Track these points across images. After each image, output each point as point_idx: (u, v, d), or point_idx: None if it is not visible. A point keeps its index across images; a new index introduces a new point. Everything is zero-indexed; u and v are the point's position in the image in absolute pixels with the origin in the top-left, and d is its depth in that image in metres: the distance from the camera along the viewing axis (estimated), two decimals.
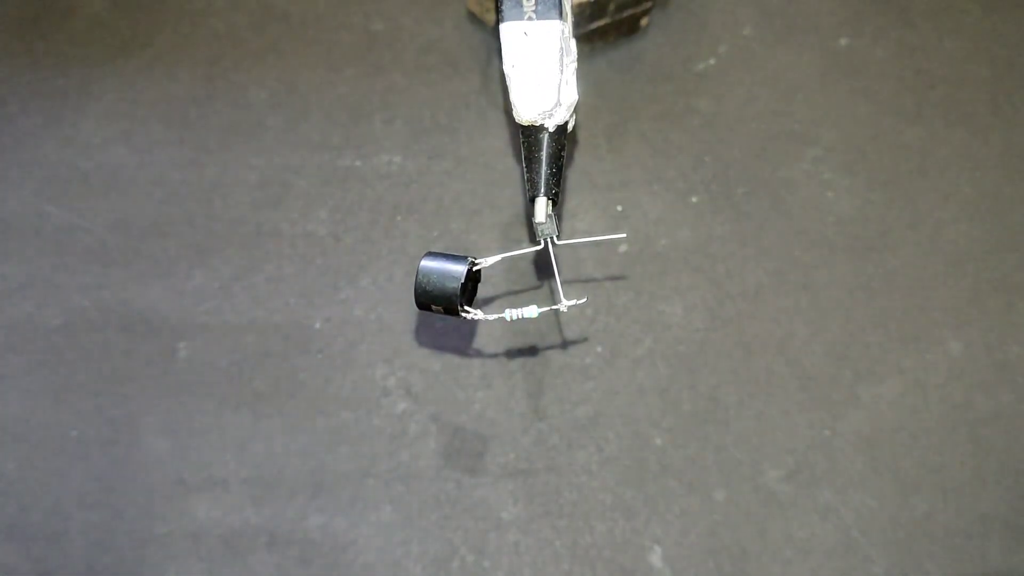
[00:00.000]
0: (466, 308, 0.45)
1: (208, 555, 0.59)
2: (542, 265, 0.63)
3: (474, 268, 0.45)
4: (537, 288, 0.63)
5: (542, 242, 0.47)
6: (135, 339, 0.63)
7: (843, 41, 0.70)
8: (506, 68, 0.46)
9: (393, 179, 0.67)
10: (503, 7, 0.46)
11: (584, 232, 0.64)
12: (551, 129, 0.46)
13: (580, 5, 0.64)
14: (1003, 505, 0.59)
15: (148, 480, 0.60)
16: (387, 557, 0.59)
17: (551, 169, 0.46)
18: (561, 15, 0.46)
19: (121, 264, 0.64)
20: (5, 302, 0.64)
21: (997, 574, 0.58)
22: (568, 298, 0.47)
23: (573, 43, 0.49)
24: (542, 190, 0.46)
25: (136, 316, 0.63)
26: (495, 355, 0.63)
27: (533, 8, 0.46)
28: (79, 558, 0.59)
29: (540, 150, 0.47)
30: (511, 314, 0.46)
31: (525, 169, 0.47)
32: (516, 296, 0.63)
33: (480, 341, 0.63)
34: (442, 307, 0.45)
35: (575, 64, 0.48)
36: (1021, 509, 0.59)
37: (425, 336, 0.63)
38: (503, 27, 0.46)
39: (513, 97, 0.46)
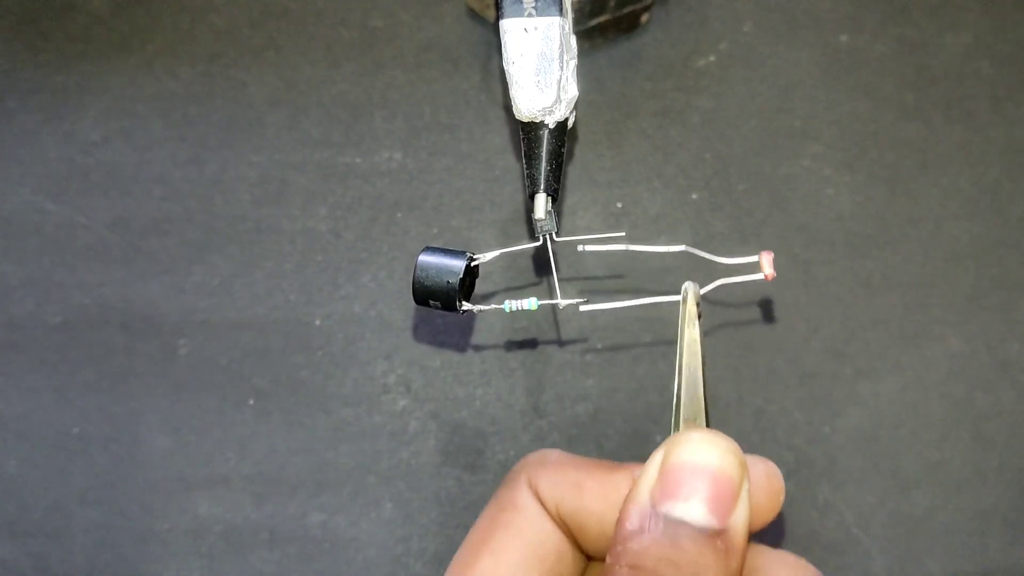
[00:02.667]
0: (464, 303, 0.45)
1: (209, 552, 0.59)
2: (541, 261, 0.63)
3: (472, 263, 0.45)
4: (536, 284, 0.63)
5: (541, 238, 0.47)
6: (135, 336, 0.63)
7: (843, 38, 0.70)
8: (506, 65, 0.46)
9: (393, 176, 0.67)
10: (503, 3, 0.46)
11: (584, 228, 0.64)
12: (551, 126, 0.46)
13: (580, 1, 0.64)
14: (1003, 501, 0.59)
15: (149, 477, 0.60)
16: (388, 554, 0.59)
17: (551, 165, 0.46)
18: (561, 11, 0.46)
19: (121, 261, 0.64)
20: (5, 300, 0.64)
21: (997, 570, 0.58)
22: (566, 295, 0.47)
23: (573, 39, 0.48)
24: (542, 186, 0.46)
25: (136, 313, 0.63)
26: (495, 352, 0.63)
27: (533, 4, 0.46)
28: (80, 555, 0.59)
29: (540, 147, 0.46)
30: (510, 305, 0.46)
31: (525, 166, 0.47)
32: (515, 292, 0.63)
33: (480, 338, 0.63)
34: (440, 302, 0.45)
35: (575, 61, 0.48)
36: (1021, 506, 0.59)
37: (425, 333, 0.63)
38: (503, 23, 0.46)
39: (513, 94, 0.46)
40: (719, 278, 0.45)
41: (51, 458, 0.61)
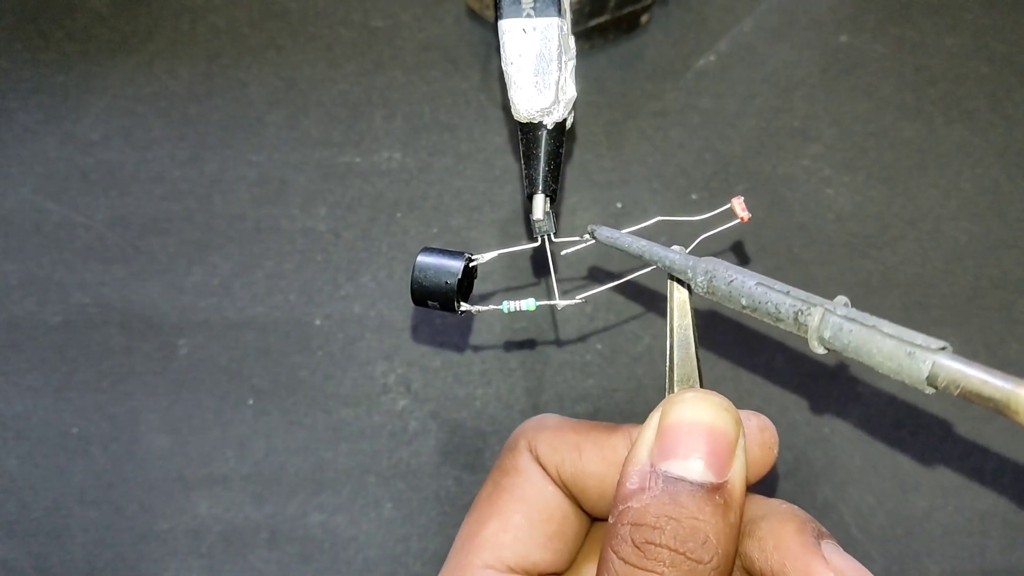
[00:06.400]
0: (463, 304, 0.45)
1: (208, 552, 0.59)
2: (539, 262, 0.63)
3: (471, 264, 0.45)
4: (535, 285, 0.63)
5: (539, 239, 0.47)
6: (135, 336, 0.63)
7: (843, 38, 0.70)
8: (504, 65, 0.46)
9: (393, 176, 0.67)
10: (502, 4, 0.46)
11: (584, 229, 0.64)
12: (549, 126, 0.46)
13: (580, 2, 0.64)
14: (1003, 502, 0.59)
15: (148, 477, 0.60)
16: (387, 553, 0.59)
17: (549, 166, 0.46)
18: (560, 12, 0.46)
19: (121, 261, 0.64)
20: (5, 299, 0.64)
21: (996, 571, 0.58)
22: (565, 295, 0.47)
23: (572, 40, 0.48)
24: (540, 187, 0.46)
25: (136, 313, 0.63)
26: (495, 352, 0.63)
27: (532, 5, 0.46)
28: (79, 554, 0.59)
29: (538, 147, 0.46)
30: (508, 306, 0.46)
31: (523, 166, 0.47)
32: (513, 292, 0.63)
33: (480, 338, 0.63)
34: (438, 303, 0.45)
35: (574, 61, 0.48)
36: (1021, 507, 0.59)
37: (425, 333, 0.63)
38: (502, 24, 0.46)
39: (511, 94, 0.46)
40: (701, 236, 0.46)
41: (51, 458, 0.61)
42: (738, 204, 0.45)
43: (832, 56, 0.70)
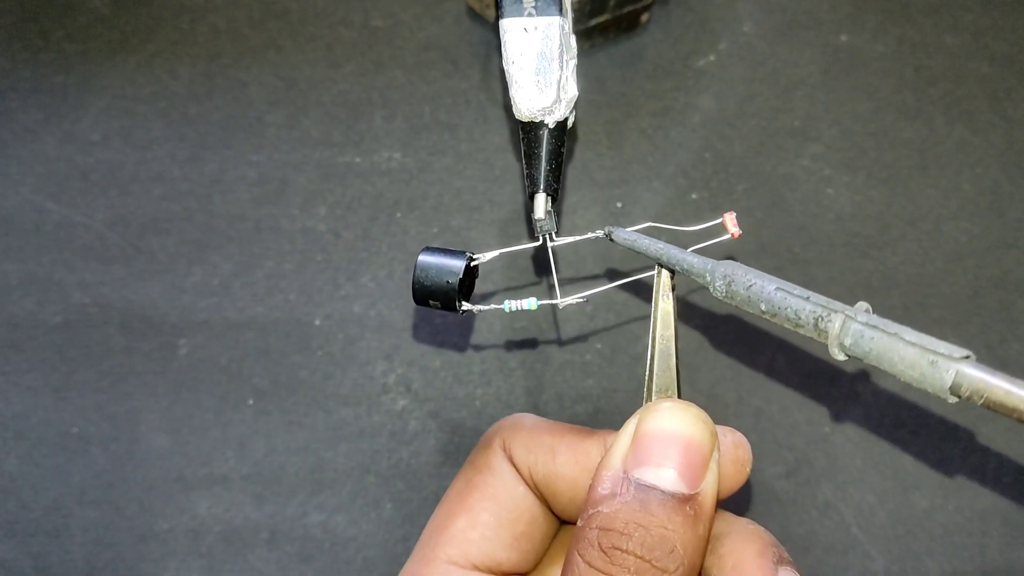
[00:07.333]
0: (464, 303, 0.45)
1: (208, 552, 0.59)
2: (541, 261, 0.63)
3: (472, 263, 0.45)
4: (536, 284, 0.63)
5: (541, 238, 0.47)
6: (135, 336, 0.63)
7: (844, 38, 0.70)
8: (506, 65, 0.46)
9: (393, 175, 0.67)
10: (503, 3, 0.46)
11: (584, 228, 0.64)
12: (551, 126, 0.46)
13: (580, 1, 0.64)
14: (1003, 502, 0.59)
15: (148, 477, 0.60)
16: (387, 553, 0.59)
17: (550, 165, 0.46)
18: (561, 11, 0.46)
19: (121, 261, 0.64)
20: (5, 299, 0.64)
21: (996, 570, 0.58)
22: (567, 294, 0.47)
23: (573, 39, 0.48)
24: (541, 186, 0.46)
25: (136, 313, 0.63)
26: (495, 352, 0.63)
27: (533, 4, 0.46)
28: (79, 554, 0.59)
29: (540, 146, 0.47)
30: (510, 305, 0.46)
31: (525, 166, 0.47)
32: (515, 292, 0.63)
33: (480, 338, 0.63)
34: (440, 302, 0.45)
35: (575, 60, 0.48)
36: (1021, 506, 0.59)
37: (425, 333, 0.63)
38: (503, 23, 0.46)
39: (513, 93, 0.46)
40: (691, 247, 0.45)
41: (50, 457, 0.61)
42: (730, 220, 0.45)
43: (832, 56, 0.70)
